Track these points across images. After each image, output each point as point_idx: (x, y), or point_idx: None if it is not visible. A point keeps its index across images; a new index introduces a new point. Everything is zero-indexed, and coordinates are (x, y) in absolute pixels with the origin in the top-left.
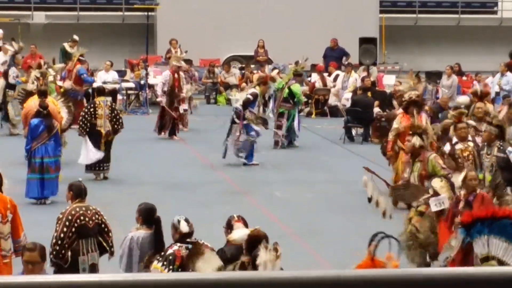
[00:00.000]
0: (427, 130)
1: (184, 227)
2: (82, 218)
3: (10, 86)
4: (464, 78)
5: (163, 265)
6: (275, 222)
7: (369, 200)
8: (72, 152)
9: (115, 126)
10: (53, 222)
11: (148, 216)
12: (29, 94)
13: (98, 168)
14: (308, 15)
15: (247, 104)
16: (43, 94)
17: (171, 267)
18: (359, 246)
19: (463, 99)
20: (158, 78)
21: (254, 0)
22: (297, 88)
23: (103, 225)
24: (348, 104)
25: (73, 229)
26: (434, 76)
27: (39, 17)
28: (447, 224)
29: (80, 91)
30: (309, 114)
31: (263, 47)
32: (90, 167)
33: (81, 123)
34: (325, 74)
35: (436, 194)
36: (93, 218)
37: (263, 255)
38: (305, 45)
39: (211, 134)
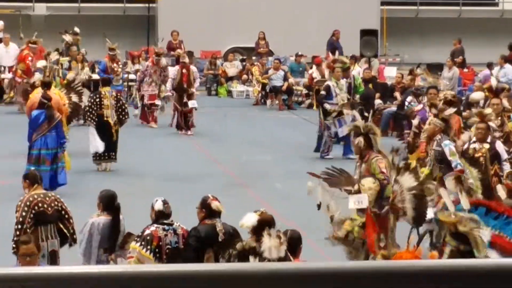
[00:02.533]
0: (373, 130)
1: (158, 205)
2: (40, 204)
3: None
4: (466, 70)
5: (141, 245)
6: (276, 215)
7: (318, 207)
8: (78, 143)
9: (121, 116)
10: None
11: (108, 203)
12: (32, 86)
13: (106, 157)
14: (309, 7)
15: (321, 99)
16: (47, 85)
17: (149, 247)
18: None
19: (477, 95)
20: None
21: None
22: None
23: (63, 212)
24: None
25: (31, 215)
26: (435, 68)
27: (40, 8)
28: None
29: None
30: (310, 106)
31: (264, 39)
32: (98, 157)
33: (88, 113)
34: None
35: (359, 192)
36: (52, 204)
37: (267, 241)
38: (306, 37)
39: (212, 126)
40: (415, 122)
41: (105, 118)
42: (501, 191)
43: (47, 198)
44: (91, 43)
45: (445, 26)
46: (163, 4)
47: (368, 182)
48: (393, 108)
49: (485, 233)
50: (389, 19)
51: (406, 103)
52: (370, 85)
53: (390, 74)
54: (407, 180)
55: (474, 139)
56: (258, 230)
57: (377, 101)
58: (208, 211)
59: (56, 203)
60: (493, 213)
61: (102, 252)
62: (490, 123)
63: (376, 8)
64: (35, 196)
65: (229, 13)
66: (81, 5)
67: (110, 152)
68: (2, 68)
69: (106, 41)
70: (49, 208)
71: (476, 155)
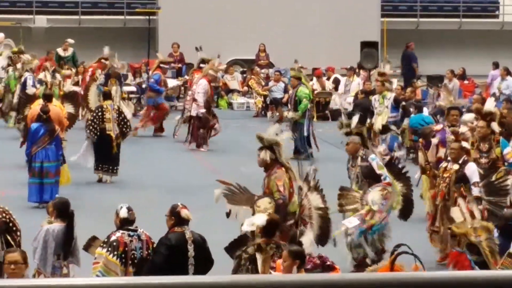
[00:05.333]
0: (276, 142)
1: (123, 213)
2: None
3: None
4: (466, 82)
5: (107, 251)
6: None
7: (227, 215)
8: (76, 154)
9: (123, 129)
10: None
11: (62, 210)
12: (31, 98)
13: (106, 169)
14: (309, 19)
15: None
16: (47, 98)
17: (115, 252)
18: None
19: (468, 117)
20: None
21: (256, 4)
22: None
23: (10, 224)
24: (350, 107)
25: None
26: (435, 80)
27: (41, 20)
28: None
29: (155, 97)
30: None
31: (265, 51)
32: (100, 168)
33: (90, 127)
34: (324, 78)
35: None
36: (0, 216)
37: (310, 234)
38: (306, 49)
39: (213, 137)
40: (434, 141)
41: (107, 132)
42: (456, 214)
43: None
44: (91, 55)
45: (446, 38)
46: (164, 17)
47: (264, 203)
48: None
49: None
50: (390, 31)
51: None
52: (371, 97)
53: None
54: (315, 200)
55: (449, 158)
56: (267, 231)
57: None
58: (177, 219)
59: (4, 215)
60: None
61: (56, 258)
62: (464, 143)
63: (377, 20)
64: None
65: (230, 25)
66: (81, 17)
67: (110, 165)
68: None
69: (157, 56)
70: None
71: (445, 174)
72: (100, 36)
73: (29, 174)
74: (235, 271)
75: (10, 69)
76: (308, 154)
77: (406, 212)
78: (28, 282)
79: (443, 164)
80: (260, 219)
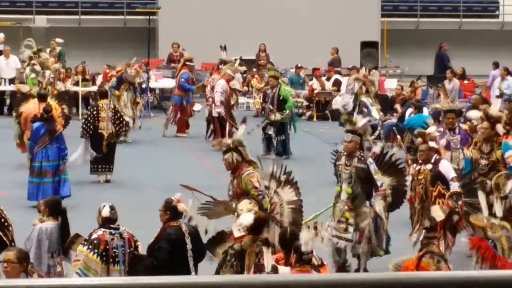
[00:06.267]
0: (241, 142)
1: (105, 212)
2: None
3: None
4: (466, 82)
5: (88, 248)
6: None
7: (189, 220)
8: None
9: (118, 128)
10: None
11: (54, 208)
12: (27, 96)
13: (101, 169)
14: (310, 19)
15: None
16: (43, 98)
17: (96, 250)
18: None
19: (474, 114)
20: (160, 82)
21: (256, 4)
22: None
23: (2, 220)
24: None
25: None
26: (435, 80)
27: (41, 20)
28: None
29: (183, 96)
30: (310, 118)
31: (265, 51)
32: (95, 168)
33: (84, 125)
34: (324, 78)
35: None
36: None
37: (305, 234)
38: (307, 49)
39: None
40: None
41: (100, 131)
42: (437, 212)
43: None
44: (92, 55)
45: (446, 38)
46: (164, 16)
47: (245, 205)
48: (394, 120)
49: None
50: (390, 31)
51: (407, 115)
52: None
53: (391, 86)
54: (287, 194)
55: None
56: (254, 229)
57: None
58: (172, 213)
59: None
60: None
61: (50, 256)
62: (431, 143)
63: (377, 20)
64: None
65: (230, 25)
66: (81, 17)
67: (105, 164)
68: (3, 81)
69: (183, 53)
70: None
71: (419, 176)
72: (100, 36)
73: (29, 174)
74: (220, 266)
75: (28, 69)
76: (289, 154)
77: (395, 203)
78: (25, 282)
79: (416, 167)
80: (247, 219)
